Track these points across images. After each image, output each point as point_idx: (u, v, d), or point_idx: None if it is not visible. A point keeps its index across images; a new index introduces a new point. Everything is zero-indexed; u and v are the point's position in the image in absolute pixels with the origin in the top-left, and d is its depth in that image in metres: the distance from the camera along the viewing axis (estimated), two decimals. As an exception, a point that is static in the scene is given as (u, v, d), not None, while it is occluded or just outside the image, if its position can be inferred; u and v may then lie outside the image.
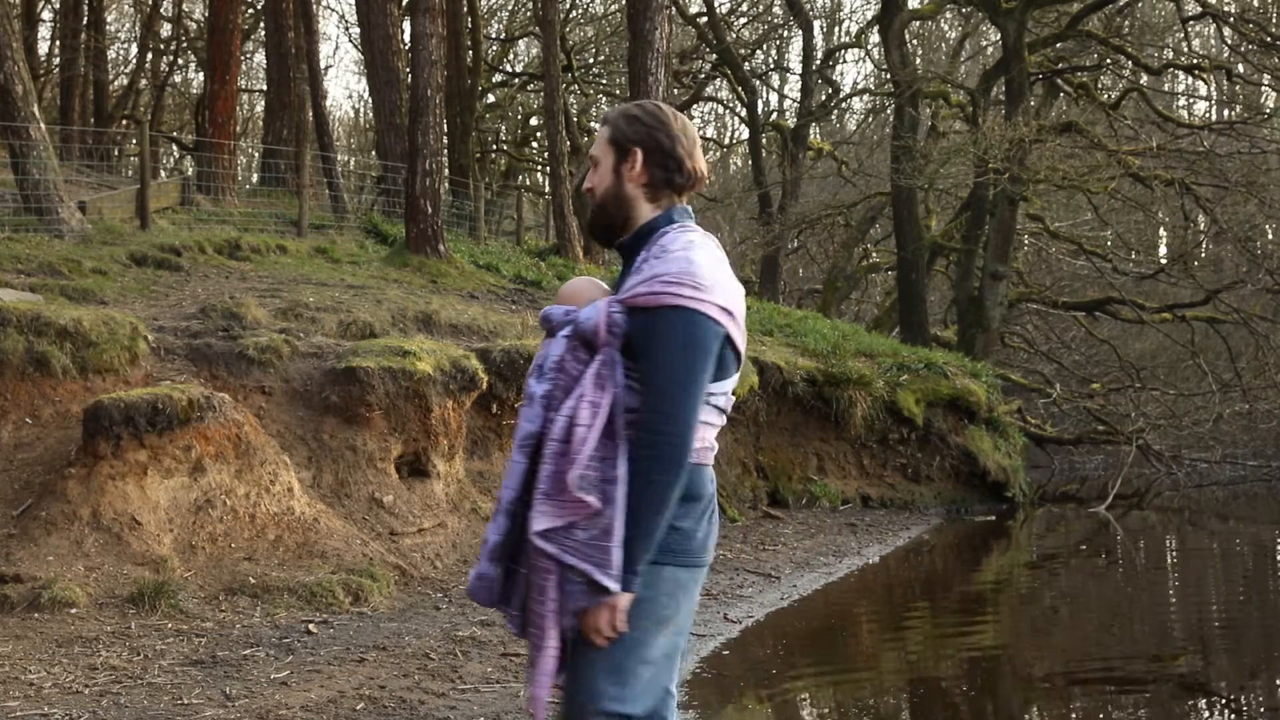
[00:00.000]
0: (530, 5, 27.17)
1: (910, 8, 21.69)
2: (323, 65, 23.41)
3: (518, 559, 2.54)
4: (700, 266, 2.47)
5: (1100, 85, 22.11)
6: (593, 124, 28.47)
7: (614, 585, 2.40)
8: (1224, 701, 5.84)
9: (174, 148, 31.19)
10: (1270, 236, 23.37)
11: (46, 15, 27.91)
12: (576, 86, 26.96)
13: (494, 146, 30.94)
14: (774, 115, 29.79)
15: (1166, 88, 24.04)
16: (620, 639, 2.46)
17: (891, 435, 13.53)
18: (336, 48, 58.59)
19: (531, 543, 2.45)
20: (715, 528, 2.62)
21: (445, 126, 17.80)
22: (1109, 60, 21.33)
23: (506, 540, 2.53)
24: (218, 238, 12.62)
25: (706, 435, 2.57)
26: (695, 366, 2.44)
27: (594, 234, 2.71)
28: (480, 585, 2.57)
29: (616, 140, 2.62)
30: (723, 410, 2.61)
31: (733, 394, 2.68)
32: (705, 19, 25.23)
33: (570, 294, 2.66)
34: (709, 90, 29.83)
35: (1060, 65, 21.01)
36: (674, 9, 22.05)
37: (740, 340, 2.56)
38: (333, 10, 51.76)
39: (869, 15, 29.11)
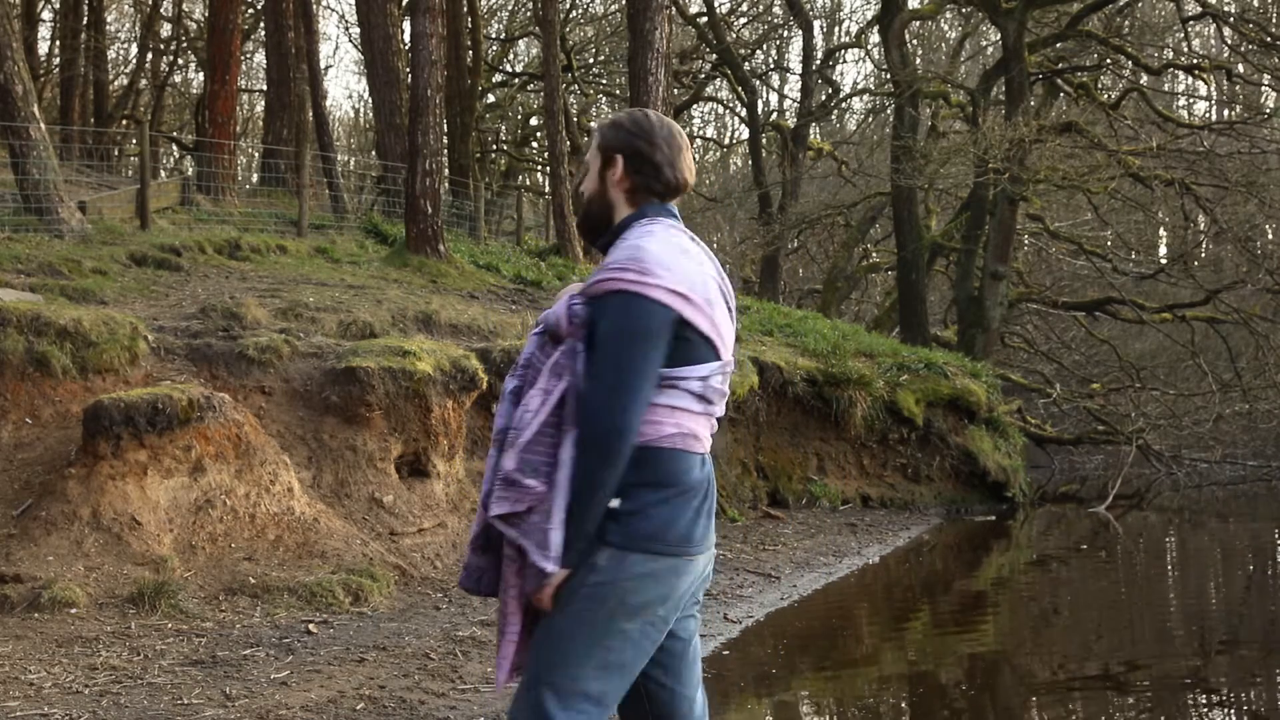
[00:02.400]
0: (530, 5, 27.17)
1: (910, 8, 21.69)
2: (323, 65, 23.42)
3: (492, 549, 2.63)
4: (648, 252, 2.52)
5: (1100, 85, 22.10)
6: (593, 124, 28.48)
7: (549, 566, 2.46)
8: (1224, 701, 5.84)
9: (174, 148, 31.19)
10: (1270, 236, 23.38)
11: (46, 15, 27.94)
12: (576, 86, 26.96)
13: (494, 146, 30.93)
14: (774, 115, 29.80)
15: (1166, 88, 24.05)
16: (577, 620, 2.50)
17: (891, 435, 13.53)
18: (336, 48, 58.62)
19: (489, 515, 2.56)
20: (707, 521, 2.60)
21: (445, 126, 17.79)
22: (1109, 60, 21.33)
23: (484, 530, 2.61)
24: (218, 238, 12.62)
25: (682, 421, 2.55)
26: (634, 350, 2.46)
27: (582, 233, 2.83)
28: (466, 575, 2.66)
29: (601, 147, 2.75)
30: (701, 396, 2.59)
31: (728, 388, 2.68)
32: (705, 19, 25.24)
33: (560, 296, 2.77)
34: (709, 90, 29.84)
35: (1060, 65, 21.01)
36: (674, 9, 22.05)
37: (705, 324, 2.56)
38: (333, 10, 51.79)
39: (869, 15, 29.15)
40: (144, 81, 28.96)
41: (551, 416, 2.50)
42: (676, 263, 2.53)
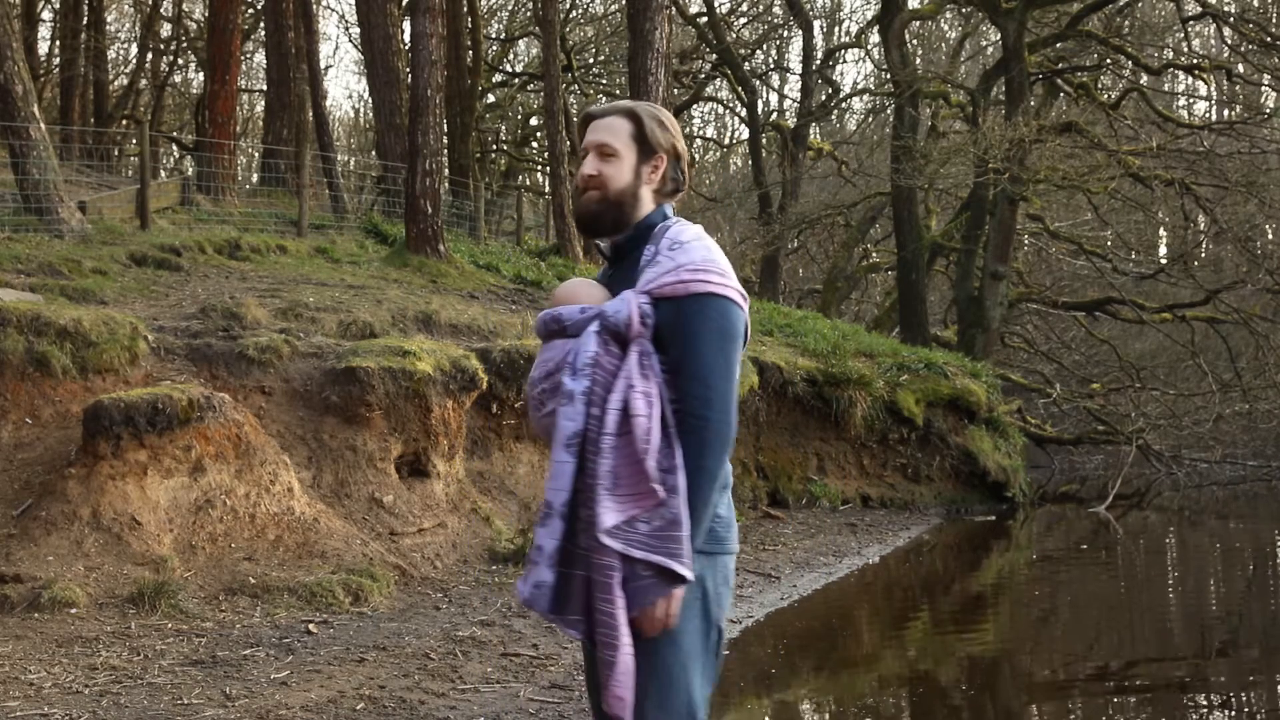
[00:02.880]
0: (530, 5, 27.17)
1: (910, 8, 21.69)
2: (323, 65, 23.42)
3: (571, 563, 2.48)
4: (718, 255, 2.54)
5: (1100, 85, 22.10)
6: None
7: (689, 574, 2.39)
8: (1224, 701, 5.84)
9: (174, 148, 31.19)
10: (1270, 236, 23.37)
11: (46, 15, 27.93)
12: (576, 86, 26.95)
13: (494, 146, 30.93)
14: (774, 115, 29.80)
15: (1166, 88, 24.04)
16: (693, 629, 2.46)
17: (891, 435, 13.53)
18: (336, 48, 58.62)
19: (594, 541, 2.41)
20: None
21: (445, 126, 17.80)
22: (1109, 60, 21.33)
23: (563, 544, 2.46)
24: (218, 238, 12.62)
25: None
26: (730, 350, 2.47)
27: (586, 224, 2.64)
28: (539, 594, 2.47)
29: (645, 141, 2.62)
30: None
31: None
32: (705, 19, 25.23)
33: (568, 295, 2.63)
34: (709, 90, 29.84)
35: (1060, 65, 21.01)
36: (674, 9, 22.05)
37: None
38: (333, 10, 51.78)
39: (869, 15, 29.14)
40: (144, 81, 28.96)
41: (660, 419, 2.45)
42: (729, 266, 2.56)
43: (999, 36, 20.70)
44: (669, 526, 2.40)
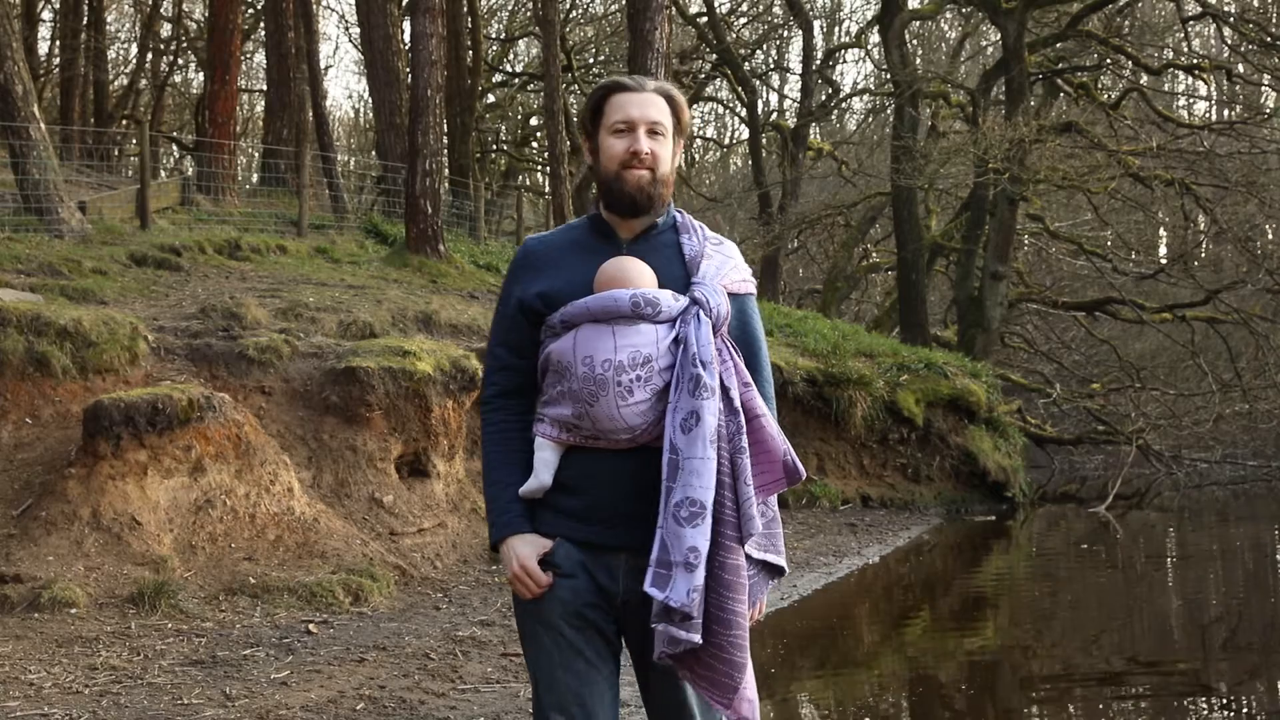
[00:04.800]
0: (530, 5, 27.17)
1: (910, 8, 21.68)
2: (323, 65, 23.41)
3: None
4: None
5: (1100, 85, 22.09)
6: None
7: (788, 567, 2.47)
8: (1224, 701, 5.84)
9: (174, 148, 31.19)
10: (1270, 236, 23.37)
11: (46, 15, 27.91)
12: (576, 86, 26.96)
13: (494, 146, 30.93)
14: (774, 115, 29.79)
15: (1166, 88, 24.03)
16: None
17: (891, 435, 13.53)
18: (336, 48, 58.60)
19: (732, 541, 2.35)
20: None
21: (445, 126, 17.80)
22: (1109, 60, 21.32)
23: (712, 546, 2.34)
24: (218, 238, 12.62)
25: None
26: None
27: (634, 203, 2.49)
28: (696, 598, 2.31)
29: (679, 125, 2.57)
30: None
31: None
32: (705, 19, 25.22)
33: (619, 274, 2.47)
34: (709, 90, 29.82)
35: (1060, 65, 21.00)
36: (674, 9, 22.04)
37: None
38: (333, 10, 51.72)
39: (869, 15, 29.11)
40: (144, 81, 28.95)
41: None
42: None
43: (999, 36, 20.69)
44: (774, 522, 2.44)
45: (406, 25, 18.51)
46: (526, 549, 2.46)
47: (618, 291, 2.42)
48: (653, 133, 2.50)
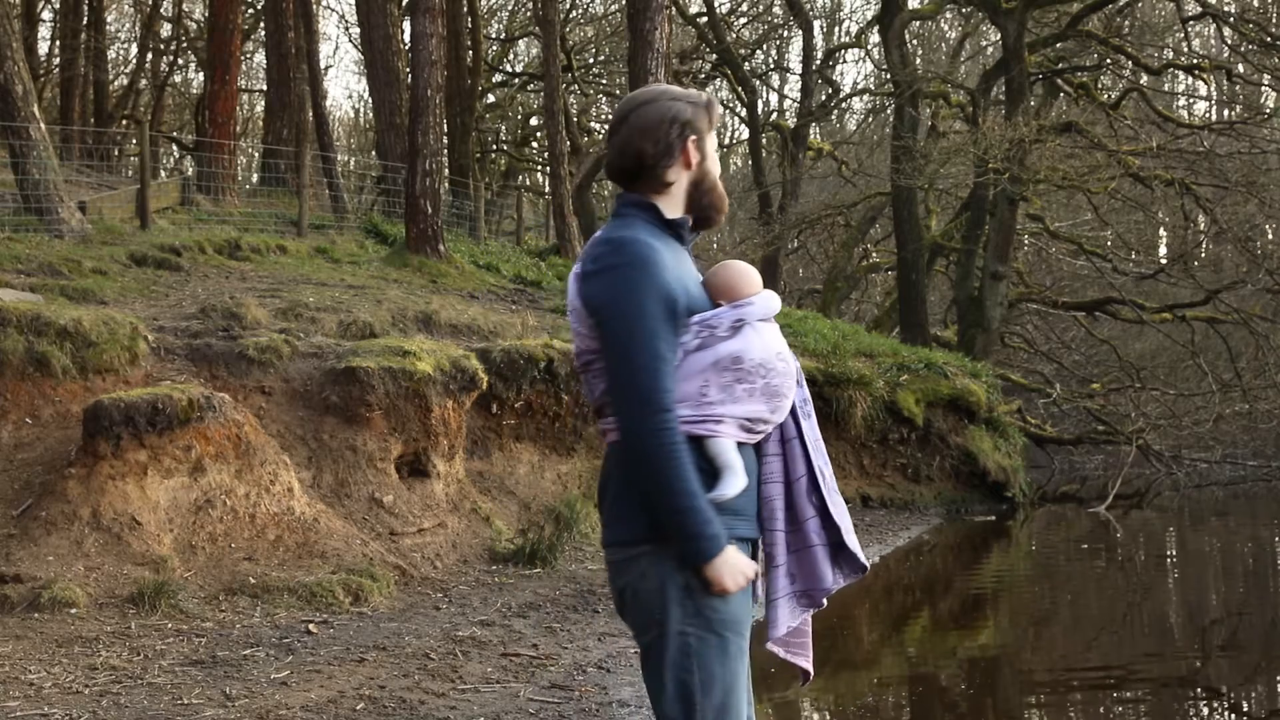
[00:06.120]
0: (530, 5, 27.16)
1: (910, 8, 21.67)
2: (323, 65, 23.41)
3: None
4: None
5: (1100, 85, 22.08)
6: (593, 124, 28.50)
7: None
8: (1224, 701, 5.84)
9: (174, 148, 31.18)
10: (1270, 236, 23.37)
11: (46, 15, 27.90)
12: (576, 86, 26.95)
13: (494, 146, 30.93)
14: (774, 115, 29.79)
15: (1166, 88, 24.02)
16: None
17: (891, 435, 13.52)
18: (336, 48, 58.62)
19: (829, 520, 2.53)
20: None
21: (445, 126, 17.80)
22: (1109, 60, 21.31)
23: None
24: (218, 238, 12.62)
25: None
26: None
27: (714, 223, 2.59)
28: (838, 582, 2.54)
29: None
30: None
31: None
32: (705, 19, 25.22)
33: (738, 279, 2.53)
34: (709, 90, 29.81)
35: (1060, 65, 20.99)
36: (674, 9, 22.04)
37: None
38: (333, 10, 51.71)
39: (869, 15, 29.10)
40: (144, 81, 28.94)
41: None
42: None
43: (999, 36, 20.69)
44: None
45: (406, 25, 18.51)
46: (744, 557, 2.41)
47: (771, 293, 2.55)
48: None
